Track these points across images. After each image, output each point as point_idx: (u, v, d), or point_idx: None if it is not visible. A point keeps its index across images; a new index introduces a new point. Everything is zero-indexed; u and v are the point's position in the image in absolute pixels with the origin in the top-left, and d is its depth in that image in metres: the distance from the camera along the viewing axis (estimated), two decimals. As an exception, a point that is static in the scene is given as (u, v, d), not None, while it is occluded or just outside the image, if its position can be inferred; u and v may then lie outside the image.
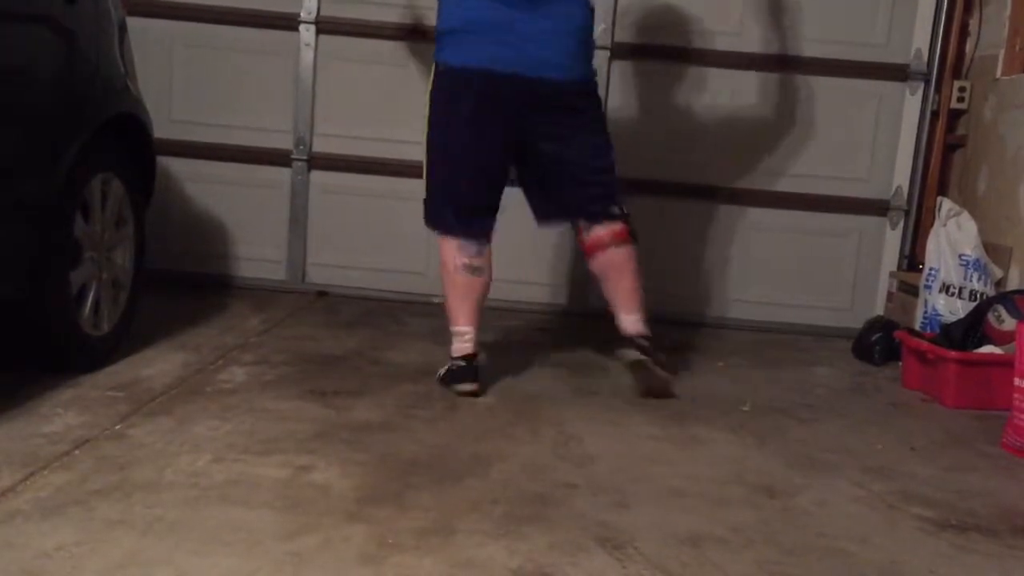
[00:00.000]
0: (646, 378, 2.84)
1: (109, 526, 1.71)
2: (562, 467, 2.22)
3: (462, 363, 2.76)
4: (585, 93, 2.82)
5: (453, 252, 2.77)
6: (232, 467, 2.03)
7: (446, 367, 2.79)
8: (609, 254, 2.84)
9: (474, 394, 2.73)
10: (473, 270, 2.77)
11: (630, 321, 2.85)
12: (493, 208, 2.80)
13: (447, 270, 2.79)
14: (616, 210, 2.84)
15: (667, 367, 2.87)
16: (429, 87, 2.76)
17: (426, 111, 2.76)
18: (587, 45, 2.81)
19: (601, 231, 2.83)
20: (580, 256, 4.00)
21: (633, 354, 2.84)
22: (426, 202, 2.80)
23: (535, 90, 2.68)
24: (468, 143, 2.71)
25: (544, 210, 2.91)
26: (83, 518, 1.73)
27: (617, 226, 2.84)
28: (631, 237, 2.86)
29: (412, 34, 3.86)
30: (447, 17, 2.72)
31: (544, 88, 2.68)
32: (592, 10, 2.82)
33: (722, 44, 3.98)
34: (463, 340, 2.78)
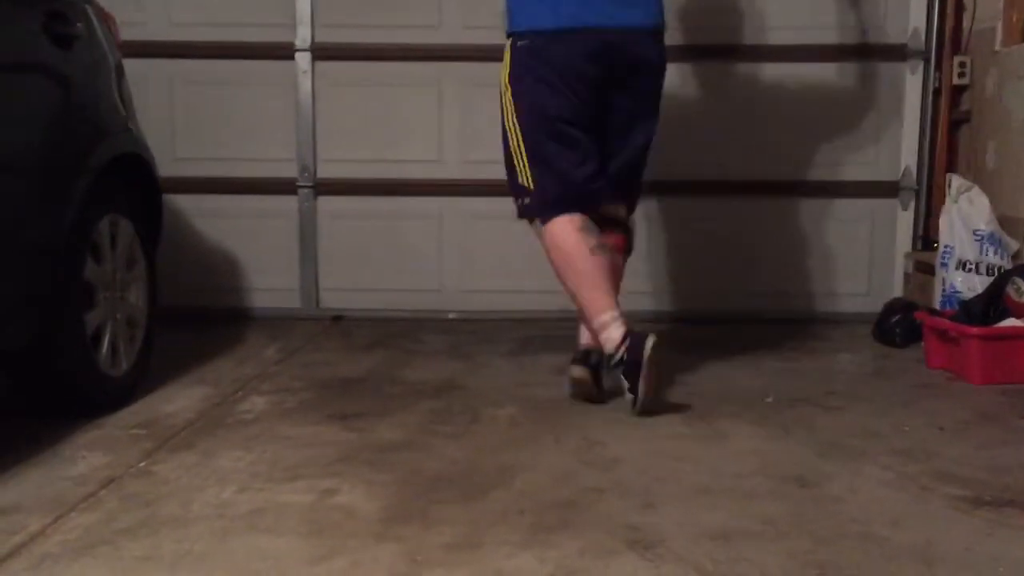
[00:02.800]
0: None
1: (138, 563, 1.71)
2: (587, 472, 2.20)
3: (623, 343, 2.47)
4: (653, 44, 2.68)
5: (575, 236, 2.56)
6: (257, 496, 2.03)
7: (613, 366, 2.52)
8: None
9: (657, 364, 2.46)
10: (603, 248, 2.61)
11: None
12: (597, 169, 2.66)
13: (572, 259, 2.56)
14: (624, 212, 2.78)
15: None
16: (506, 65, 2.66)
17: (507, 91, 2.65)
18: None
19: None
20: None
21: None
22: (524, 191, 2.64)
23: (607, 40, 2.58)
24: (559, 105, 2.59)
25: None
26: (112, 557, 1.73)
27: (617, 238, 2.76)
28: (627, 249, 2.79)
29: None
30: None
31: (615, 37, 2.58)
32: None
33: (717, 38, 3.98)
34: (616, 327, 2.50)
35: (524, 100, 2.64)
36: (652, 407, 2.53)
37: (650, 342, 2.43)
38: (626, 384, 2.51)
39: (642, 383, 2.46)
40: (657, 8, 2.70)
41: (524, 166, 2.66)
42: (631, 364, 2.46)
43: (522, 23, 2.63)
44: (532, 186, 2.65)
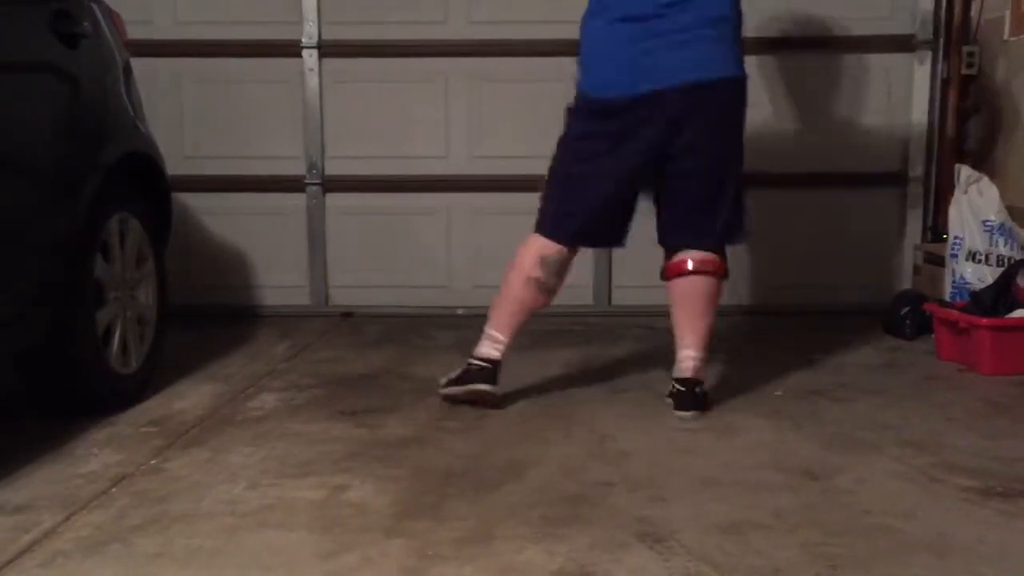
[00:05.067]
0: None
1: (149, 560, 1.72)
2: (597, 466, 2.20)
3: (484, 364, 2.64)
4: (712, 96, 2.60)
5: (534, 257, 2.61)
6: (268, 492, 2.04)
7: (458, 370, 2.69)
8: (685, 282, 2.61)
9: (491, 397, 2.62)
10: (542, 288, 2.63)
11: (682, 358, 2.61)
12: (599, 231, 2.69)
13: (516, 272, 2.63)
14: (713, 243, 2.62)
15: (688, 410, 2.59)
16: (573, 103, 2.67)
17: (565, 126, 2.67)
18: (721, 41, 2.61)
19: (686, 255, 2.60)
20: (603, 256, 4.03)
21: (669, 402, 2.62)
22: (541, 210, 2.67)
23: (650, 104, 2.51)
24: (589, 171, 2.59)
25: (658, 229, 2.71)
26: (123, 554, 1.74)
27: (707, 255, 2.60)
28: (719, 270, 2.61)
29: None
30: (582, 44, 2.62)
31: (659, 99, 2.51)
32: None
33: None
34: (493, 345, 2.65)
35: (570, 129, 2.66)
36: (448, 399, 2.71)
37: (482, 386, 2.64)
38: (455, 375, 2.71)
39: (455, 389, 2.69)
40: (680, 64, 2.53)
41: (545, 189, 2.70)
42: (463, 378, 2.68)
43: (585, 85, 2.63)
44: (541, 206, 2.69)
